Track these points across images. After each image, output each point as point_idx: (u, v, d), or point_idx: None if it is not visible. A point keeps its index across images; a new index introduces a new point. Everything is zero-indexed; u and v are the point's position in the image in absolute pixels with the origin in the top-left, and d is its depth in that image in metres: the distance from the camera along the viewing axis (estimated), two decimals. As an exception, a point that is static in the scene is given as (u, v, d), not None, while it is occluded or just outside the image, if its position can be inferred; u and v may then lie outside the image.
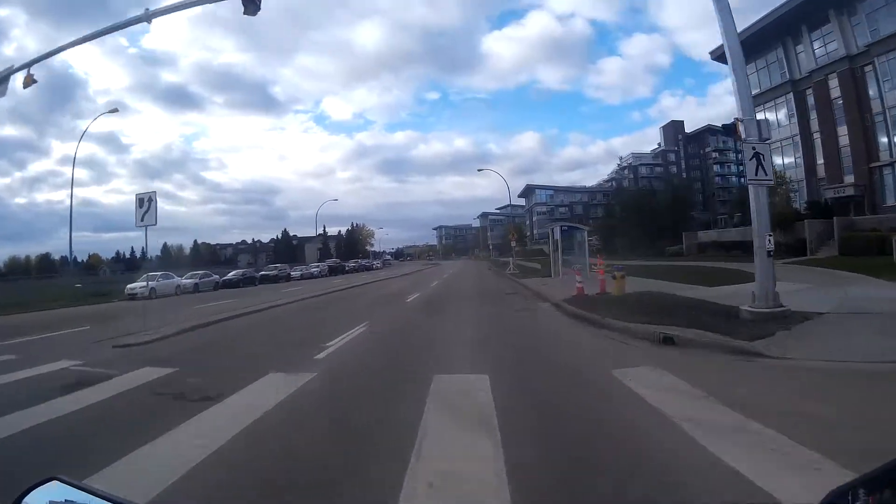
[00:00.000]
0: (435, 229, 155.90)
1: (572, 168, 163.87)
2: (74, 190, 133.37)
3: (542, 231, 74.96)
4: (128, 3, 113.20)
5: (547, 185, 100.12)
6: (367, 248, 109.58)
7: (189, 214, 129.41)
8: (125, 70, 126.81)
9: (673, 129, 76.69)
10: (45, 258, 79.86)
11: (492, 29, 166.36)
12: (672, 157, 75.77)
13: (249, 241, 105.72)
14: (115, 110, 39.36)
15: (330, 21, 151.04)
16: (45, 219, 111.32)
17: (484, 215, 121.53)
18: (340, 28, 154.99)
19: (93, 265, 69.02)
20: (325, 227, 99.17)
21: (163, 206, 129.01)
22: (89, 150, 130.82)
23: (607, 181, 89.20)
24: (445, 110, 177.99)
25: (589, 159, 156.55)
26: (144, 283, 24.32)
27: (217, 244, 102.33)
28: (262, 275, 41.01)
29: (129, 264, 71.52)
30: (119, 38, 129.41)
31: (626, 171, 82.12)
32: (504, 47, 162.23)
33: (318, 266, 54.03)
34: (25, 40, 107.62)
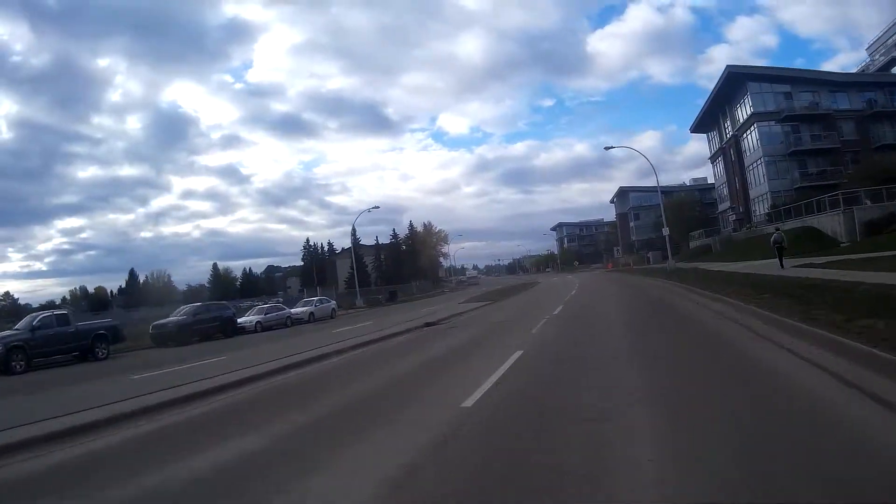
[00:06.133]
0: (553, 229, 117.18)
1: (698, 165, 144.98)
2: (201, 222, 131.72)
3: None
4: (225, 41, 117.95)
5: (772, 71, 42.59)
6: (440, 260, 79.98)
7: (318, 238, 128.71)
8: (234, 104, 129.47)
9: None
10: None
11: (594, 28, 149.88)
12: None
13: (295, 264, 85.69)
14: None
15: (429, 36, 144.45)
16: (170, 250, 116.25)
17: (622, 194, 78.20)
18: (441, 42, 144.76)
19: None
20: (353, 234, 57.70)
21: (290, 231, 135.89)
22: (210, 183, 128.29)
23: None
24: (562, 116, 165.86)
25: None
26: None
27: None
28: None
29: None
30: (223, 76, 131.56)
31: None
32: (609, 45, 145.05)
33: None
34: (129, 85, 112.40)
